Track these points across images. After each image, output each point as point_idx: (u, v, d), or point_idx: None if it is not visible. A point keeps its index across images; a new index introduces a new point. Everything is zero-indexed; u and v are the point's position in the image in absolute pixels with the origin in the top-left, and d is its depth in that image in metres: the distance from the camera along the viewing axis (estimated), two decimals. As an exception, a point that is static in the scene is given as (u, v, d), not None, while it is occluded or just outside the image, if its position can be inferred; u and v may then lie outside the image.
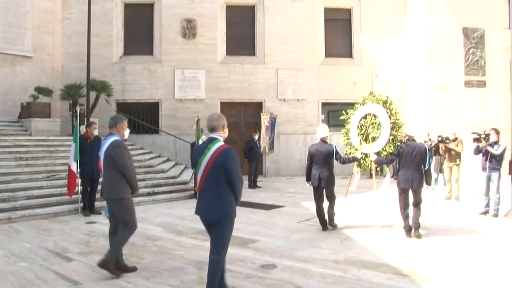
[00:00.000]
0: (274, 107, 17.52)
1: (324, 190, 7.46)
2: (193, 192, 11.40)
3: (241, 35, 17.91)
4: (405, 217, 7.05)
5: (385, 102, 8.84)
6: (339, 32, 18.46)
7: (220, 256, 4.17)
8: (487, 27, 17.49)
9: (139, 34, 17.73)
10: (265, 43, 17.71)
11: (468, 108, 17.22)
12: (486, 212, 8.97)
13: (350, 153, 8.66)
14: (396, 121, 8.76)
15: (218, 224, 4.15)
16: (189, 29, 17.43)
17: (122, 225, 5.25)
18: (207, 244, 4.59)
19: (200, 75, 17.40)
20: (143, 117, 17.29)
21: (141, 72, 17.39)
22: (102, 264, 5.03)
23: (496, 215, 8.77)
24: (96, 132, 9.29)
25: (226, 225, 4.20)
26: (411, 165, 6.96)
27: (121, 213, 5.27)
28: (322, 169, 7.36)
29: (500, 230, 7.79)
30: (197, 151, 4.34)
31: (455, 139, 11.00)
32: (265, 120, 16.83)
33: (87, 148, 9.04)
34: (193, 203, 10.19)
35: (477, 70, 17.49)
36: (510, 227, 8.02)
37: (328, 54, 18.15)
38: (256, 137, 14.20)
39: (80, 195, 9.12)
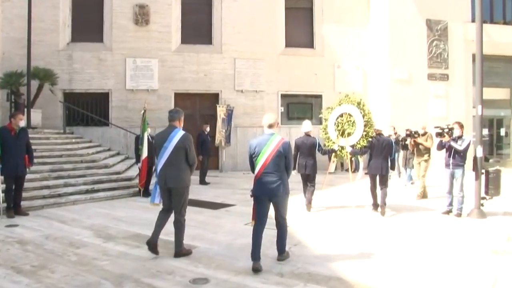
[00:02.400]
0: (231, 99, 16.70)
1: (307, 175, 8.80)
2: (137, 189, 10.50)
3: (197, 22, 16.95)
4: (374, 196, 8.75)
5: (359, 103, 10.25)
6: (300, 21, 17.72)
7: (285, 220, 5.46)
8: (451, 19, 17.15)
9: (88, 19, 16.50)
10: (222, 32, 16.83)
11: (431, 102, 16.87)
12: (449, 212, 8.45)
13: (329, 145, 10.12)
14: (369, 120, 10.28)
15: (280, 199, 5.29)
16: (141, 15, 16.36)
17: (179, 211, 5.64)
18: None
19: (153, 64, 16.39)
20: (92, 108, 16.16)
21: (90, 60, 16.23)
22: (178, 255, 5.60)
23: (459, 215, 8.25)
24: (22, 124, 8.24)
25: (286, 199, 5.40)
26: (380, 155, 8.50)
27: (184, 200, 5.64)
28: (307, 159, 8.71)
29: (461, 231, 7.25)
30: (260, 143, 5.28)
31: (424, 134, 10.51)
32: (221, 112, 16.01)
33: (10, 141, 8.00)
34: (134, 201, 9.51)
35: (440, 63, 17.14)
36: (472, 227, 7.50)
37: (289, 44, 17.41)
38: (208, 129, 13.35)
39: (3, 195, 8.07)
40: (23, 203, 8.50)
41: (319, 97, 17.44)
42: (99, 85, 16.24)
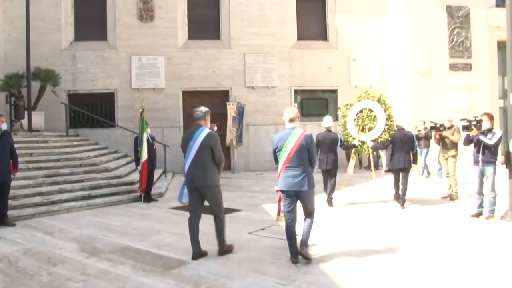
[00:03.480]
0: (242, 96, 15.93)
1: (328, 171, 8.88)
2: (138, 194, 9.80)
3: (204, 17, 16.23)
4: (396, 189, 8.83)
5: (379, 99, 9.94)
6: (312, 12, 16.84)
7: (312, 213, 5.36)
8: (472, 5, 16.10)
9: (91, 17, 15.90)
10: (230, 26, 16.06)
11: (453, 94, 15.84)
12: (479, 214, 7.49)
13: (349, 141, 9.91)
14: (390, 114, 9.90)
15: (306, 193, 5.19)
16: (146, 11, 15.71)
17: (217, 210, 5.59)
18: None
19: (159, 61, 15.72)
20: (97, 109, 15.57)
21: (94, 59, 15.64)
22: (222, 253, 5.58)
23: (491, 217, 7.30)
24: (4, 127, 7.56)
25: (312, 193, 5.29)
26: (402, 149, 8.56)
27: (218, 198, 5.58)
28: (328, 154, 8.79)
29: (493, 236, 6.34)
30: (282, 137, 5.26)
31: (451, 127, 9.53)
32: (231, 110, 15.23)
33: (-8, 145, 7.36)
34: (134, 207, 8.77)
35: (462, 52, 16.09)
36: (506, 232, 6.58)
37: (301, 37, 16.57)
38: (215, 128, 12.53)
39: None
40: (12, 212, 7.86)
41: (334, 92, 16.56)
42: (104, 85, 15.66)
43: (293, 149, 5.13)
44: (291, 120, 5.31)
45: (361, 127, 9.86)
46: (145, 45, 15.68)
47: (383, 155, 10.81)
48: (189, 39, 16.10)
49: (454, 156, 9.45)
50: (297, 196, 5.22)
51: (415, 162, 9.12)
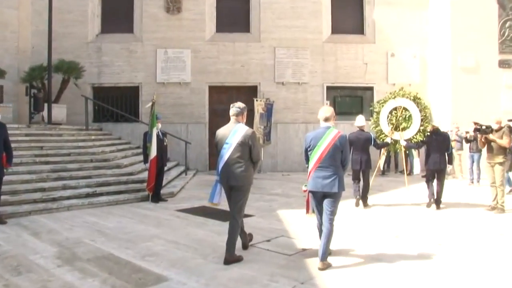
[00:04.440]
0: (271, 92, 15.10)
1: (362, 171, 8.69)
2: (147, 193, 9.14)
3: (233, 9, 15.51)
4: (430, 191, 8.66)
5: (415, 98, 9.50)
6: (348, 4, 15.82)
7: (332, 220, 4.98)
8: (529, -4, 14.62)
9: (117, 9, 15.53)
10: (260, 18, 15.27)
11: (503, 93, 14.44)
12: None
13: (381, 139, 9.63)
14: (426, 114, 9.44)
15: (334, 195, 4.96)
16: (173, 3, 15.15)
17: (238, 211, 5.24)
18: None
19: (186, 55, 15.12)
20: (122, 103, 15.18)
21: (120, 52, 15.23)
22: (228, 262, 5.05)
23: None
24: (-3, 118, 7.05)
25: (340, 196, 5.05)
26: (438, 150, 8.48)
27: (245, 199, 5.31)
28: (362, 154, 8.59)
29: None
30: (316, 136, 5.05)
31: (499, 129, 8.21)
32: (259, 106, 14.41)
33: (-17, 138, 6.87)
34: (138, 208, 8.17)
35: (514, 48, 14.65)
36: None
37: (335, 30, 15.58)
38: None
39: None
40: (7, 209, 7.40)
41: (369, 89, 15.48)
42: (128, 78, 15.23)
43: (326, 149, 4.95)
44: (327, 119, 5.12)
45: (394, 126, 9.42)
46: (171, 38, 15.14)
47: (416, 156, 10.52)
48: (217, 32, 15.44)
49: (501, 164, 8.13)
50: (324, 197, 5.01)
51: (450, 162, 8.92)
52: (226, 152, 5.17)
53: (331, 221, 4.96)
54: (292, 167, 14.81)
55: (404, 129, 9.35)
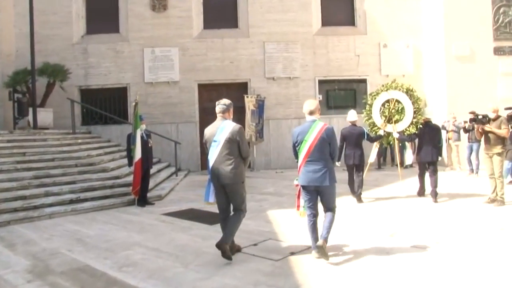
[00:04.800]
0: (262, 88, 14.78)
1: (356, 166, 8.65)
2: (133, 197, 8.81)
3: (220, 4, 15.16)
4: (421, 183, 8.84)
5: (408, 90, 9.35)
6: (338, -5, 15.49)
7: (333, 209, 5.09)
8: (522, -20, 14.27)
9: (102, 9, 15.12)
10: (248, 13, 14.93)
11: (499, 81, 14.11)
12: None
13: (374, 131, 9.49)
14: (419, 107, 9.28)
15: (326, 188, 4.98)
16: (159, 0, 14.78)
17: (239, 207, 5.21)
18: None
19: (173, 53, 14.78)
20: (110, 105, 14.84)
21: (106, 53, 14.87)
22: (220, 245, 4.97)
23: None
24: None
25: (333, 188, 5.07)
26: (430, 142, 8.53)
27: (242, 195, 5.23)
28: (355, 149, 8.57)
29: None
30: (302, 130, 5.05)
31: (496, 118, 7.83)
32: (250, 103, 14.08)
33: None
34: (124, 213, 7.89)
35: (509, 34, 14.37)
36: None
37: (325, 22, 15.24)
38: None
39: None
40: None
41: (363, 82, 15.14)
42: (116, 79, 14.89)
43: (313, 142, 4.94)
44: (311, 113, 5.13)
45: (387, 119, 9.27)
46: (158, 37, 14.79)
47: (409, 147, 10.30)
48: (205, 29, 15.09)
49: (500, 154, 7.76)
50: (317, 191, 5.02)
51: (440, 155, 8.99)
52: (215, 150, 5.09)
53: (332, 213, 5.05)
54: (286, 164, 14.49)
55: (397, 121, 9.18)
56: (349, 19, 15.37)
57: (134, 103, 8.98)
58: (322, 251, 4.82)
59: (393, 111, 9.23)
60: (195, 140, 14.60)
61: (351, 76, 15.14)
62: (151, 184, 10.29)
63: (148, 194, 9.29)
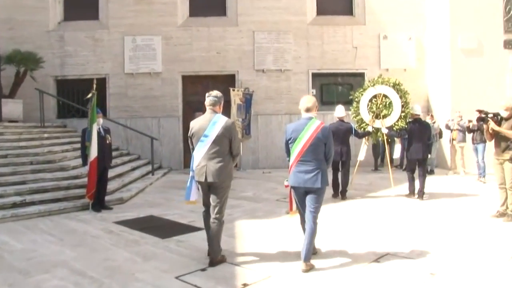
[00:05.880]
0: (250, 81, 13.69)
1: (342, 162, 8.58)
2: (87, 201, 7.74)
3: (208, -10, 14.06)
4: (410, 182, 8.62)
5: (395, 84, 9.42)
6: (335, -19, 14.33)
7: (315, 218, 4.67)
8: (536, -33, 13.05)
9: (81, -7, 14.11)
10: (238, 0, 13.78)
11: (509, 77, 12.93)
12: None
13: (363, 128, 9.45)
14: (406, 101, 9.34)
15: (317, 191, 4.64)
16: (141, -15, 13.71)
17: (220, 210, 4.80)
18: None
19: (156, 42, 13.70)
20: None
21: (84, 41, 13.81)
22: (214, 264, 4.73)
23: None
24: None
25: (324, 191, 4.74)
26: (420, 139, 8.39)
27: (226, 197, 4.90)
28: (342, 145, 8.45)
29: None
30: (297, 128, 4.71)
31: (509, 117, 6.51)
32: (236, 97, 12.99)
33: None
34: (72, 219, 6.90)
35: (521, 26, 13.12)
36: None
37: (321, 11, 14.09)
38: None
39: None
40: None
41: (360, 76, 13.95)
42: (94, 69, 13.83)
43: (307, 142, 4.65)
44: (308, 110, 4.82)
45: (375, 114, 9.35)
46: (140, 24, 13.72)
47: (398, 142, 10.15)
48: (190, 16, 14.00)
49: None
50: (307, 193, 4.71)
51: (430, 151, 9.15)
52: (204, 146, 4.73)
53: (314, 219, 4.65)
54: (276, 164, 13.42)
55: (385, 116, 9.29)
56: (347, 8, 14.20)
57: (90, 94, 7.90)
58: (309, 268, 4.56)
59: (380, 106, 9.32)
60: (177, 136, 13.56)
61: (348, 70, 13.99)
62: (117, 184, 9.34)
63: (109, 197, 8.30)
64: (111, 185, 8.92)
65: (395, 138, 10.73)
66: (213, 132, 4.70)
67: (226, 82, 13.53)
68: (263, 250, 5.27)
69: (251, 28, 13.73)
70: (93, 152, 7.56)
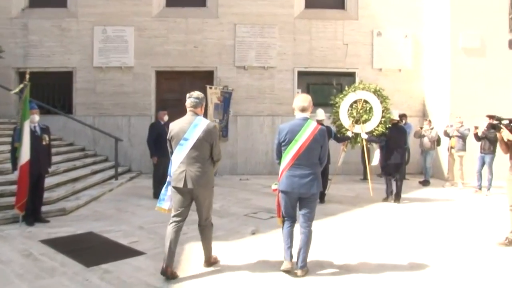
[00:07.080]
0: (230, 78, 12.53)
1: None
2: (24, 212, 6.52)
3: (186, -22, 12.89)
4: (388, 185, 8.78)
5: (375, 90, 9.35)
6: (325, -28, 13.18)
7: (311, 224, 4.56)
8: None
9: (49, -22, 12.93)
10: (218, -11, 12.65)
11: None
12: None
13: (343, 133, 9.38)
14: (386, 106, 9.24)
15: (311, 197, 4.51)
16: (114, -30, 12.53)
17: (207, 216, 4.69)
18: None
19: (128, 34, 12.52)
20: (53, 91, 12.71)
21: (50, 30, 12.63)
22: (209, 265, 4.80)
23: None
24: None
25: (317, 198, 4.68)
26: (398, 144, 8.63)
27: (211, 202, 4.73)
28: None
29: None
30: (292, 129, 4.52)
31: None
32: (213, 95, 11.87)
33: None
34: None
35: (527, 25, 12.05)
36: None
37: (309, 4, 12.95)
38: (166, 118, 9.06)
39: None
40: None
41: (351, 75, 12.81)
42: (61, 62, 12.69)
43: (304, 144, 4.42)
44: (304, 110, 4.57)
45: (355, 119, 9.29)
46: (111, 14, 12.57)
47: (377, 147, 9.62)
48: (167, 6, 12.84)
49: None
50: (300, 198, 4.52)
51: (407, 157, 9.54)
52: (184, 149, 4.47)
53: (309, 226, 4.55)
54: (256, 169, 12.29)
55: (365, 121, 9.24)
56: (338, 1, 13.00)
57: (22, 85, 6.70)
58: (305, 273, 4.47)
59: (361, 111, 9.24)
60: (147, 137, 12.36)
61: (338, 69, 12.81)
62: (64, 192, 8.09)
63: (49, 207, 7.12)
64: (57, 192, 7.78)
65: (374, 144, 10.05)
66: (194, 135, 4.45)
67: (204, 79, 12.39)
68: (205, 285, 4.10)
69: (232, 20, 12.56)
70: (24, 155, 6.33)
